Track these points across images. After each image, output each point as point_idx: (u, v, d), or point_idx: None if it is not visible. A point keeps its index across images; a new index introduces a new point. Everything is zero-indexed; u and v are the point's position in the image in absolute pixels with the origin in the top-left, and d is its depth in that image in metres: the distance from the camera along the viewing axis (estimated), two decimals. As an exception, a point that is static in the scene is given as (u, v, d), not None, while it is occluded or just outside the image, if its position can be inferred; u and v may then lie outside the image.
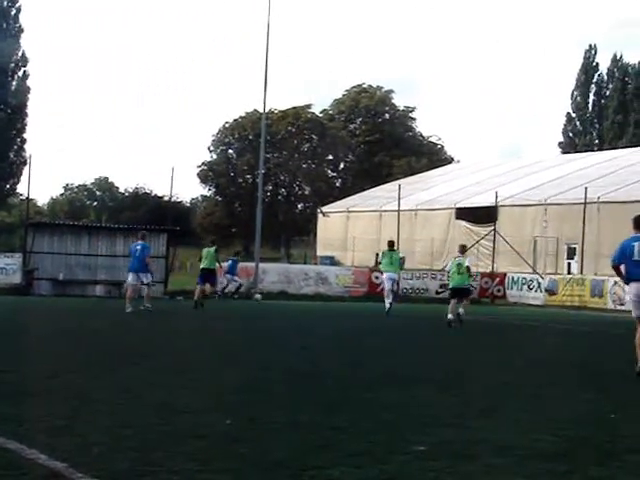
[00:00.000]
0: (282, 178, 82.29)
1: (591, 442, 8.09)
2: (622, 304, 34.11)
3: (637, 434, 8.64)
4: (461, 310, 24.16)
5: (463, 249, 25.48)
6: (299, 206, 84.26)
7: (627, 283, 14.43)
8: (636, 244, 13.91)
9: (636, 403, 10.96)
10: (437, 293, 40.03)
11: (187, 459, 6.85)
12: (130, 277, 26.36)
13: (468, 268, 24.62)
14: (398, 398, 10.46)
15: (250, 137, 77.80)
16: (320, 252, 56.93)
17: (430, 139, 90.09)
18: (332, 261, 51.34)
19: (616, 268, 14.67)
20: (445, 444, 7.72)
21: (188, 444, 7.39)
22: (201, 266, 30.01)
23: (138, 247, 26.36)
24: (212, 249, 30.31)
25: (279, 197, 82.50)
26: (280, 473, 6.48)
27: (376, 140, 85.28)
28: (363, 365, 14.16)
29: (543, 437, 8.18)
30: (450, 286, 25.16)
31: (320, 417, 8.93)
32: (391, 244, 29.38)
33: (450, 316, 23.68)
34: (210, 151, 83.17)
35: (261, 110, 43.21)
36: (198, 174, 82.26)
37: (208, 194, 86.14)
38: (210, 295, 31.16)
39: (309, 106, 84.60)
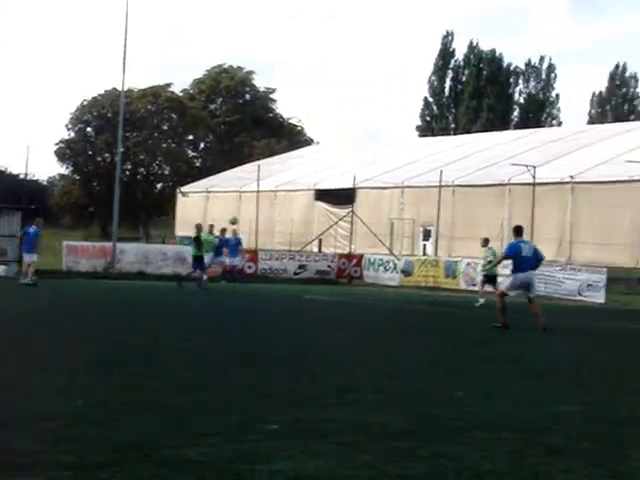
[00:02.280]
0: (141, 157, 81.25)
1: (439, 419, 8.28)
2: (474, 284, 34.92)
3: (483, 411, 8.90)
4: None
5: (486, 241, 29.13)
6: (158, 186, 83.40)
7: (514, 272, 19.22)
8: (523, 245, 19.35)
9: (483, 380, 11.27)
10: (295, 274, 40.22)
11: (35, 440, 6.74)
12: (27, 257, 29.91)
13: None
14: (253, 378, 10.50)
15: (109, 115, 76.55)
16: (179, 232, 56.51)
17: (290, 121, 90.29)
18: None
19: (506, 257, 19.98)
20: (298, 423, 7.80)
21: (37, 426, 7.27)
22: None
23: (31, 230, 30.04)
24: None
25: (138, 176, 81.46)
26: (131, 454, 6.43)
27: (236, 121, 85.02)
28: (219, 346, 14.16)
29: (393, 415, 8.34)
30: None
31: (174, 398, 8.90)
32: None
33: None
34: (68, 129, 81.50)
35: (120, 88, 42.54)
36: (55, 152, 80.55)
37: (66, 172, 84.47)
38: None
39: (169, 85, 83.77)
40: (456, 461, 6.56)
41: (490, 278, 28.60)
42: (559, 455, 6.93)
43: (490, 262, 28.43)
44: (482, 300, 28.30)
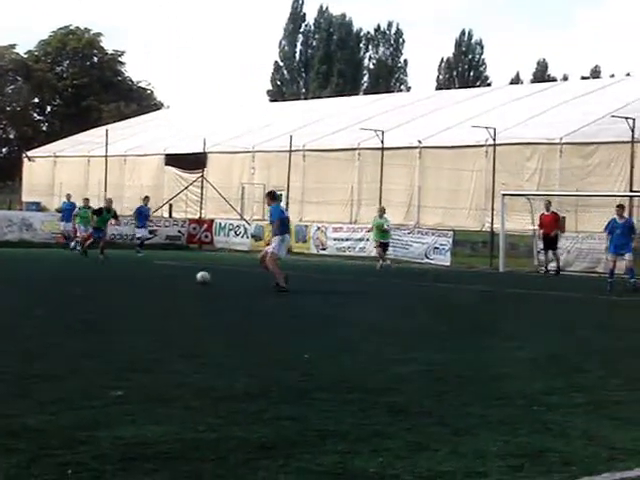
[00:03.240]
0: (-15, 121, 78.78)
1: (284, 382, 8.35)
2: (324, 249, 35.25)
3: (326, 372, 9.01)
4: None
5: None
6: (3, 150, 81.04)
7: (281, 234, 19.87)
8: (283, 208, 20.43)
9: (327, 343, 11.40)
10: (146, 239, 39.67)
11: None
12: None
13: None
14: (95, 345, 10.37)
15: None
16: (25, 198, 55.15)
17: (140, 84, 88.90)
18: (38, 207, 49.85)
19: (273, 222, 20.19)
20: (143, 388, 7.74)
21: None
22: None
23: None
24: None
25: (-18, 140, 79.00)
26: (-31, 424, 6.27)
27: (84, 84, 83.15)
28: (61, 313, 13.92)
29: (240, 379, 8.37)
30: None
31: (15, 366, 8.71)
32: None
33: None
34: None
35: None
36: None
37: None
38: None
39: (13, 46, 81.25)
40: (300, 422, 6.62)
41: (384, 244, 31.09)
42: (402, 414, 7.07)
43: (386, 230, 29.95)
44: (386, 262, 29.82)
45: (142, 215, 36.27)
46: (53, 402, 7.04)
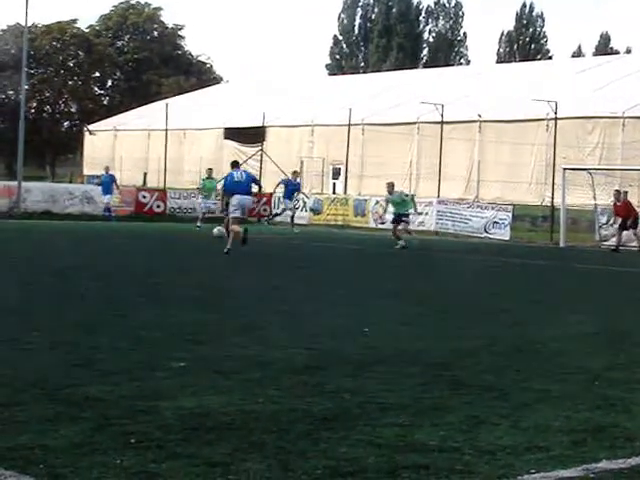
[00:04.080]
0: (47, 95, 79.59)
1: (344, 355, 8.36)
2: (383, 222, 35.09)
3: (387, 346, 9.00)
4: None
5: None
6: (65, 124, 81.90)
7: (229, 196, 21.67)
8: (234, 172, 21.62)
9: (389, 316, 11.39)
10: (204, 214, 39.84)
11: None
12: None
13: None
14: (158, 317, 10.45)
15: (12, 52, 74.62)
16: (87, 171, 55.71)
17: (199, 58, 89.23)
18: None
19: (224, 190, 22.67)
20: (204, 360, 7.79)
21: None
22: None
23: None
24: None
25: (44, 114, 79.84)
26: (33, 392, 6.35)
27: (144, 58, 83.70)
28: (124, 285, 14.06)
29: (299, 352, 8.39)
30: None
31: (78, 337, 8.81)
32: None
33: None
34: (-31, 66, 79.26)
35: (23, 23, 41.44)
36: (-44, 89, 78.41)
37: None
38: None
39: (75, 21, 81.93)
40: (360, 395, 6.62)
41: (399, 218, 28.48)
42: (462, 388, 7.04)
43: (399, 203, 28.35)
44: (401, 242, 28.45)
45: (289, 190, 34.87)
46: (115, 373, 7.12)
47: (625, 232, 29.88)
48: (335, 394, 6.64)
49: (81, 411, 5.88)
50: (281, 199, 35.83)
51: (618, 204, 30.10)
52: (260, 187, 25.86)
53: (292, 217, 34.79)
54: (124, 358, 7.77)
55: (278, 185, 35.74)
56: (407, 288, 15.49)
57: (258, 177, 44.86)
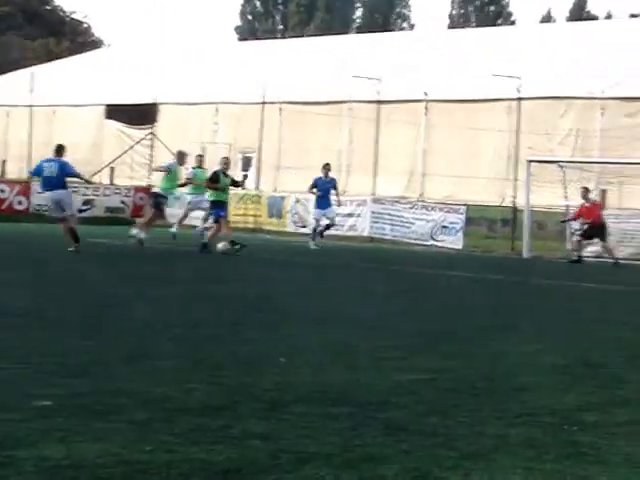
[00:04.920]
0: None
1: (254, 391, 8.37)
2: (304, 226, 35.18)
3: (307, 380, 9.04)
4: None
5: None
6: None
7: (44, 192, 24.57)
8: (46, 164, 24.19)
9: (308, 343, 11.42)
10: (80, 211, 39.60)
11: None
12: None
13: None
14: (17, 343, 10.37)
15: None
16: None
17: (74, 16, 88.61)
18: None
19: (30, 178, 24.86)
20: (76, 397, 7.73)
21: None
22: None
23: None
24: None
25: None
26: None
27: (4, 14, 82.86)
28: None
29: (197, 387, 8.39)
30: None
31: None
32: None
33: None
34: None
35: None
36: None
37: None
38: None
39: None
40: (273, 442, 6.64)
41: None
42: (401, 433, 7.09)
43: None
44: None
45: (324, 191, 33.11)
46: (-37, 414, 7.05)
47: (589, 242, 30.37)
48: (242, 440, 6.65)
49: None
50: (310, 210, 33.52)
51: (586, 205, 30.59)
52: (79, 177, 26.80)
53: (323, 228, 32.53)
54: (-27, 395, 7.71)
55: (313, 187, 33.18)
56: (334, 309, 15.54)
57: (149, 167, 44.72)
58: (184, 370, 9.24)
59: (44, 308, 13.69)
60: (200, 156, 32.73)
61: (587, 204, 30.67)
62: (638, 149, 35.23)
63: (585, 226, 30.48)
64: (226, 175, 28.35)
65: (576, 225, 31.45)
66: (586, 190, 31.08)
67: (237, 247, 26.85)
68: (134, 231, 28.44)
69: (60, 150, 24.47)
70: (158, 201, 29.01)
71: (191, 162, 31.12)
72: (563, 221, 31.64)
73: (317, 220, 32.42)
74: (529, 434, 7.25)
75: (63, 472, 5.72)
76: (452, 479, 5.96)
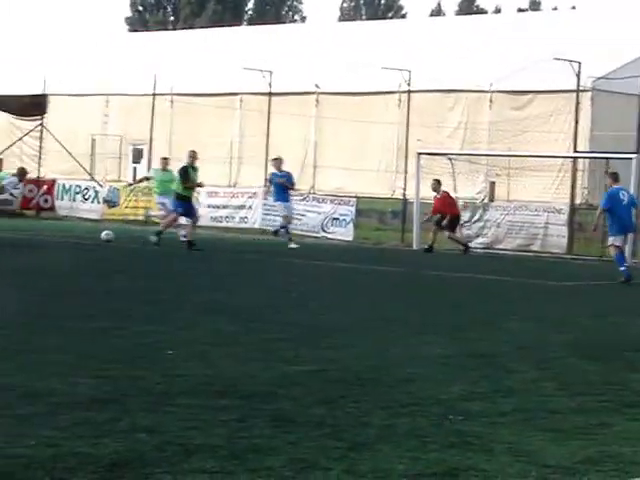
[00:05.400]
0: None
1: (141, 384, 8.34)
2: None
3: (194, 372, 9.03)
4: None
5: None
6: None
7: None
8: None
9: (196, 336, 11.40)
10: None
11: None
12: None
13: None
14: None
15: None
16: None
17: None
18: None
19: None
20: (-43, 393, 7.66)
21: None
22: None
23: None
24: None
25: None
26: None
27: None
28: None
29: (83, 380, 8.33)
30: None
31: None
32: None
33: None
34: None
35: None
36: None
37: None
38: None
39: None
40: (159, 435, 6.61)
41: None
42: (287, 425, 7.11)
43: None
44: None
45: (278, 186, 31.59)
46: None
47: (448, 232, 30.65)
48: (128, 434, 6.62)
49: None
50: (275, 204, 31.73)
51: (437, 197, 30.81)
52: None
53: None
54: None
55: (271, 184, 32.26)
56: (223, 301, 15.51)
57: (38, 159, 44.22)
58: (67, 364, 9.15)
59: None
60: (165, 159, 32.04)
61: (438, 196, 30.82)
62: (525, 142, 35.69)
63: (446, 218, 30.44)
64: (194, 168, 28.08)
65: (466, 216, 31.68)
66: (437, 183, 31.12)
67: (155, 240, 26.67)
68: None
69: None
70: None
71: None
72: (426, 221, 31.42)
73: (289, 214, 31.01)
74: (414, 424, 7.32)
75: (-58, 468, 5.65)
76: (338, 469, 5.98)
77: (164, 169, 31.15)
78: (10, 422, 6.81)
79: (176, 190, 27.61)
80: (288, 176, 31.17)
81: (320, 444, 6.61)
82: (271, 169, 32.49)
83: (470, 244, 31.03)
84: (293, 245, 29.61)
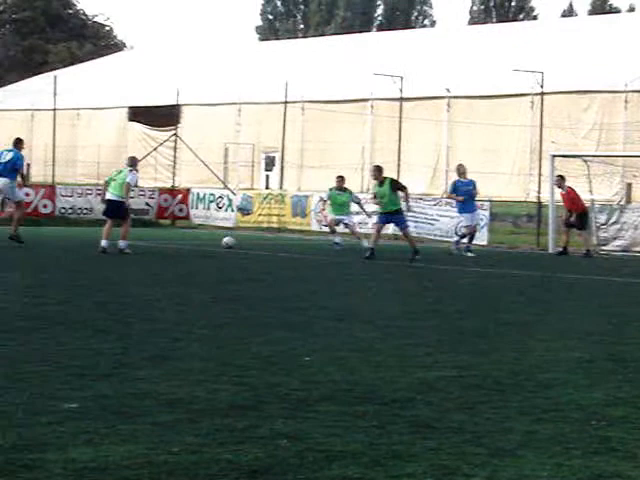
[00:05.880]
0: None
1: (280, 391, 8.36)
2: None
3: (333, 378, 9.03)
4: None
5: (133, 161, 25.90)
6: None
7: None
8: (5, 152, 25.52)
9: (334, 342, 11.39)
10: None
11: None
12: None
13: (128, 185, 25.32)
14: (43, 346, 10.37)
15: None
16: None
17: (96, 19, 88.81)
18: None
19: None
20: (102, 400, 7.75)
21: None
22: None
23: None
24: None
25: None
26: None
27: (27, 19, 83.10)
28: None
29: (223, 387, 8.39)
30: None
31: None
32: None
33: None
34: None
35: None
36: None
37: None
38: None
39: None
40: (299, 441, 6.63)
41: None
42: (428, 430, 7.08)
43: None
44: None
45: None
46: (-10, 417, 7.07)
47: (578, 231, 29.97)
48: (268, 440, 6.64)
49: (-54, 467, 5.83)
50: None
51: (562, 193, 30.12)
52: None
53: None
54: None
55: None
56: (361, 306, 15.51)
57: (173, 169, 44.83)
58: (208, 371, 9.23)
59: (67, 311, 13.71)
60: (340, 177, 30.47)
61: (563, 192, 30.14)
62: (662, 142, 35.12)
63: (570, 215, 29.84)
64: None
65: (602, 218, 31.17)
66: (560, 178, 30.35)
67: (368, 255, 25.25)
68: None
69: (18, 143, 26.17)
70: None
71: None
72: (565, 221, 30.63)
73: (467, 226, 29.56)
74: (557, 430, 7.22)
75: (90, 474, 5.74)
76: (480, 476, 5.94)
77: (339, 188, 30.07)
78: (154, 429, 6.88)
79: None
80: (473, 184, 29.83)
81: (461, 450, 6.56)
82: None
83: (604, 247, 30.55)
84: (470, 254, 28.21)
